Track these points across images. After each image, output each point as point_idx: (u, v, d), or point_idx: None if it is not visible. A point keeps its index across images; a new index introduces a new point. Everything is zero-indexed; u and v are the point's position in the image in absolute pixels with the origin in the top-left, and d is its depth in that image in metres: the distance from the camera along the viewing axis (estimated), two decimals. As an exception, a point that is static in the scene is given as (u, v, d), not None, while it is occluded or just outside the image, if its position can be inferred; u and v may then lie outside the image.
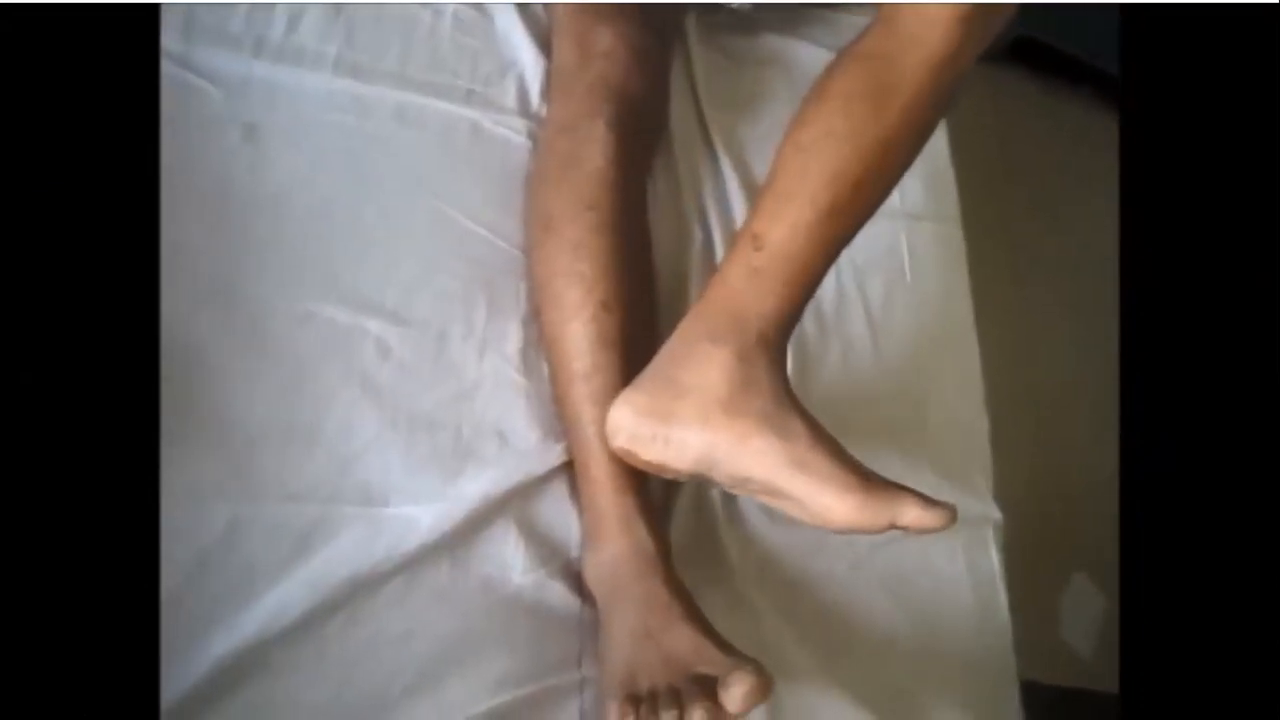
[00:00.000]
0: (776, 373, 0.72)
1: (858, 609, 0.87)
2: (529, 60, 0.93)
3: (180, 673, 0.66)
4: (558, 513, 0.80)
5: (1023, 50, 1.86)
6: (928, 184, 1.04)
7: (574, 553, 0.79)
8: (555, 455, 0.80)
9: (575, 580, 0.78)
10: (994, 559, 0.95)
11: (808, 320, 0.90)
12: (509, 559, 0.76)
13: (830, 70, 0.76)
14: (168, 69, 0.83)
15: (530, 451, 0.80)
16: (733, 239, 0.75)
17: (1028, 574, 0.97)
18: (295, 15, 0.87)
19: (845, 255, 0.90)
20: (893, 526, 0.69)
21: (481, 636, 0.74)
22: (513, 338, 0.83)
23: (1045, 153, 1.83)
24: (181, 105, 0.82)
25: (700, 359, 0.72)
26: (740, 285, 0.73)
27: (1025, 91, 1.87)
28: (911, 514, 0.69)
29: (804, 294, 0.74)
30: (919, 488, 0.88)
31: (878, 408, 0.94)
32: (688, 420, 0.71)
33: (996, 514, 0.96)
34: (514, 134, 0.91)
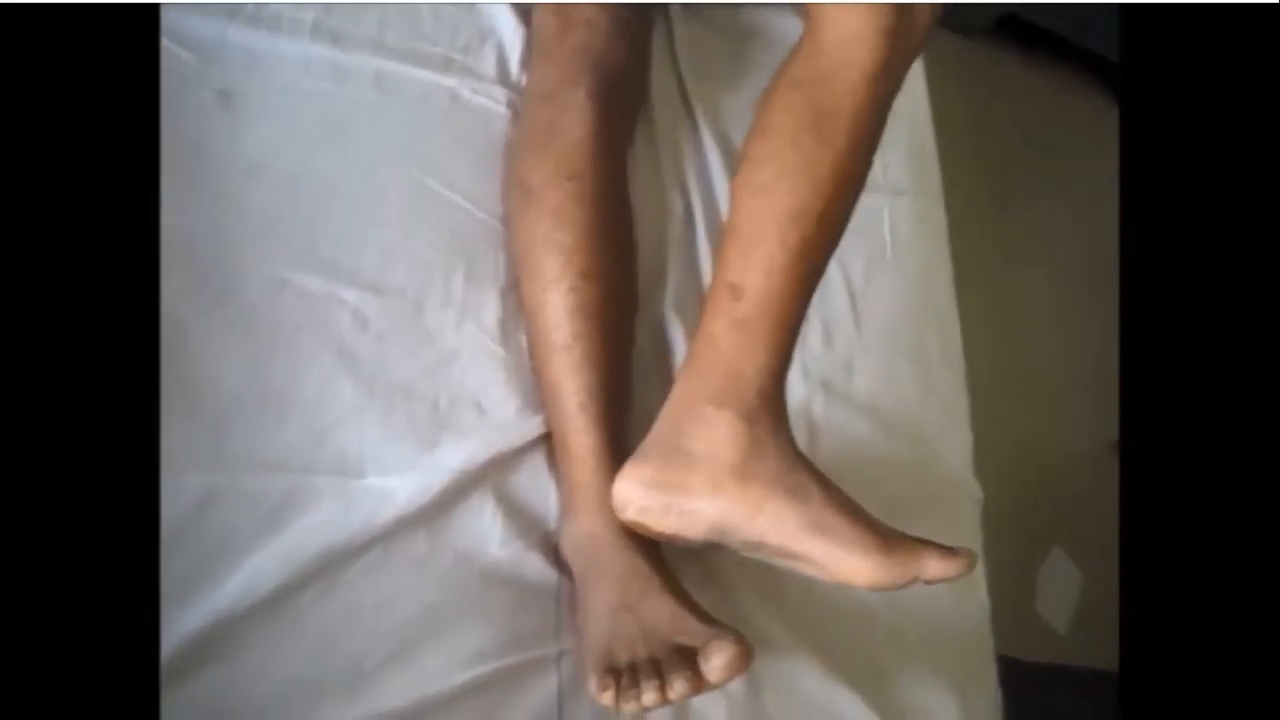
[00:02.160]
0: (782, 430, 0.72)
1: None
2: (508, 28, 0.93)
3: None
4: (535, 484, 0.80)
5: (1007, 27, 1.86)
6: (910, 159, 1.05)
7: (552, 525, 0.80)
8: (534, 427, 0.81)
9: (553, 552, 0.79)
10: (977, 534, 0.95)
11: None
12: (486, 530, 0.77)
13: (768, 102, 0.77)
14: (140, 33, 0.81)
15: (508, 423, 0.80)
16: (708, 291, 0.76)
17: (1005, 549, 0.97)
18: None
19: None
20: (916, 581, 0.70)
21: (458, 608, 0.74)
22: (491, 308, 0.83)
23: (1028, 128, 1.83)
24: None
25: (705, 424, 0.72)
26: (729, 342, 0.73)
27: (1009, 67, 1.87)
28: (933, 567, 0.69)
29: (791, 337, 0.75)
30: (895, 465, 0.90)
31: (857, 383, 0.93)
32: (699, 490, 0.71)
33: (978, 491, 0.97)
34: (493, 103, 0.90)
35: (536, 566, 0.78)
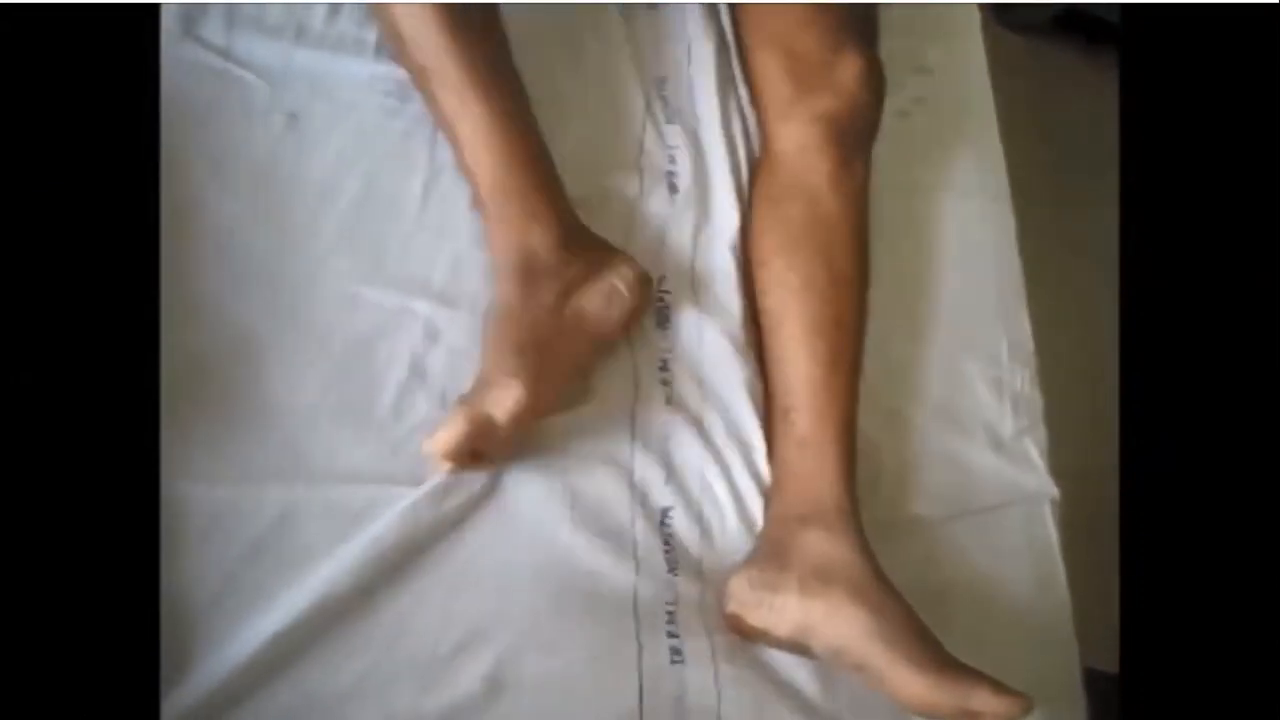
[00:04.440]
0: (863, 545, 0.81)
1: (915, 583, 0.88)
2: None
3: (234, 652, 0.70)
4: (608, 480, 0.83)
5: (1068, 23, 1.85)
6: (976, 162, 1.06)
7: (622, 516, 0.82)
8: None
9: (627, 546, 0.81)
10: (1052, 534, 0.96)
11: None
12: (555, 519, 0.80)
13: (756, 224, 0.90)
14: (211, 60, 0.86)
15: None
16: (767, 410, 0.88)
17: (1086, 551, 0.96)
18: (335, 4, 0.90)
19: (894, 235, 0.96)
20: (965, 713, 0.73)
21: (529, 596, 0.77)
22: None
23: (1094, 124, 1.81)
24: (225, 96, 0.86)
25: (798, 538, 0.81)
26: (798, 464, 0.84)
27: (1071, 63, 1.86)
28: (983, 699, 0.73)
29: (850, 438, 0.85)
30: (972, 465, 0.90)
31: (930, 387, 0.95)
32: (789, 589, 0.79)
33: (1053, 489, 0.98)
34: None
35: (610, 559, 0.80)
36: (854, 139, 0.89)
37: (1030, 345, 1.01)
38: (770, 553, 0.83)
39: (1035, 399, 1.00)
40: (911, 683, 0.75)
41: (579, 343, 0.81)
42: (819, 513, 0.82)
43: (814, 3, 0.89)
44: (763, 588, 0.81)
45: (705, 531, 0.85)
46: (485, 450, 0.75)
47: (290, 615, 0.71)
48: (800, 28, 0.89)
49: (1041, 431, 0.99)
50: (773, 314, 0.88)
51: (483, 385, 0.75)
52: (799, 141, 0.89)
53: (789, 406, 0.86)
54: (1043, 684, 0.87)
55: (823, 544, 0.81)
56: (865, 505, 0.89)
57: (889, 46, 1.04)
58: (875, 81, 0.89)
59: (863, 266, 0.88)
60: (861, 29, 0.91)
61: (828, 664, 0.80)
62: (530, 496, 0.80)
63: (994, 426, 0.97)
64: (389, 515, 0.75)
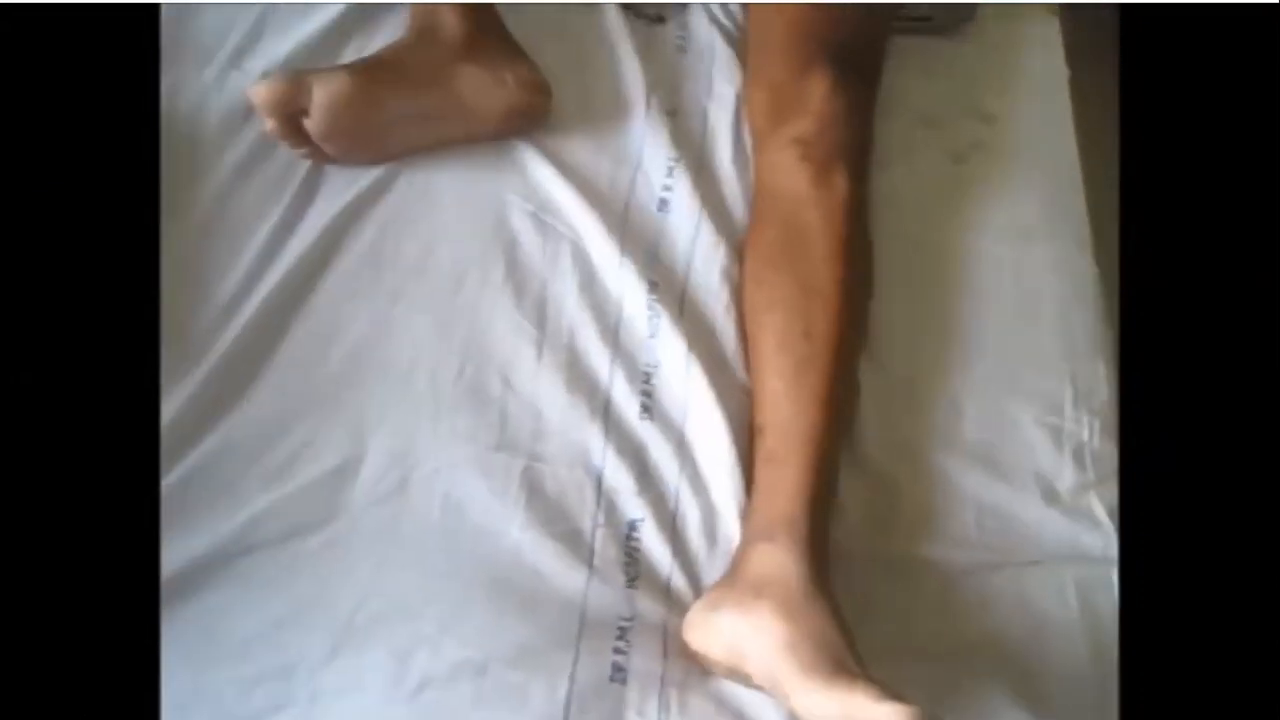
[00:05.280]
0: (806, 558, 0.75)
1: (925, 631, 0.79)
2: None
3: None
4: (570, 476, 0.80)
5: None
6: (1047, 209, 0.98)
7: (583, 522, 0.78)
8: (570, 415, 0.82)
9: (582, 549, 0.77)
10: (1116, 602, 0.81)
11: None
12: (507, 510, 0.77)
13: (746, 252, 0.90)
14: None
15: (538, 402, 0.82)
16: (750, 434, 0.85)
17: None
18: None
19: (935, 273, 0.94)
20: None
21: (466, 583, 0.74)
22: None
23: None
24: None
25: (748, 555, 0.76)
26: (763, 479, 0.80)
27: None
28: (861, 706, 0.65)
29: (817, 456, 0.79)
30: (1015, 515, 0.84)
31: (962, 427, 0.87)
32: (728, 607, 0.74)
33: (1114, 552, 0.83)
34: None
35: (560, 560, 0.76)
36: (829, 153, 0.88)
37: (1104, 395, 0.90)
38: (728, 572, 0.77)
39: (1109, 454, 0.88)
40: (801, 693, 0.67)
41: (443, 110, 0.89)
42: (769, 527, 0.76)
43: (788, 32, 0.93)
44: (707, 608, 0.74)
45: (679, 551, 0.79)
46: (305, 128, 0.84)
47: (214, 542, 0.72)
48: (775, 59, 0.93)
49: (1113, 490, 0.86)
50: (749, 332, 0.86)
51: (326, 70, 0.85)
52: (776, 165, 0.89)
53: (760, 423, 0.82)
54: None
55: (765, 558, 0.74)
56: (874, 543, 0.82)
57: (946, 90, 1.02)
58: (845, 95, 0.89)
59: (846, 279, 0.84)
60: (837, 52, 0.91)
61: (768, 692, 0.71)
62: (484, 486, 0.78)
63: (1047, 477, 0.85)
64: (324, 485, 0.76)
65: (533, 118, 0.93)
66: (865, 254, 0.89)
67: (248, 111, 0.89)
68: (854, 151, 0.89)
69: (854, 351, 0.86)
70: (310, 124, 0.85)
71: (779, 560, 0.74)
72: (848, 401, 0.84)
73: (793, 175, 0.87)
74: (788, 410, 0.80)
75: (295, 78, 0.85)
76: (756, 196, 0.91)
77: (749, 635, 0.71)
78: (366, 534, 0.75)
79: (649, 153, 0.93)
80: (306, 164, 0.88)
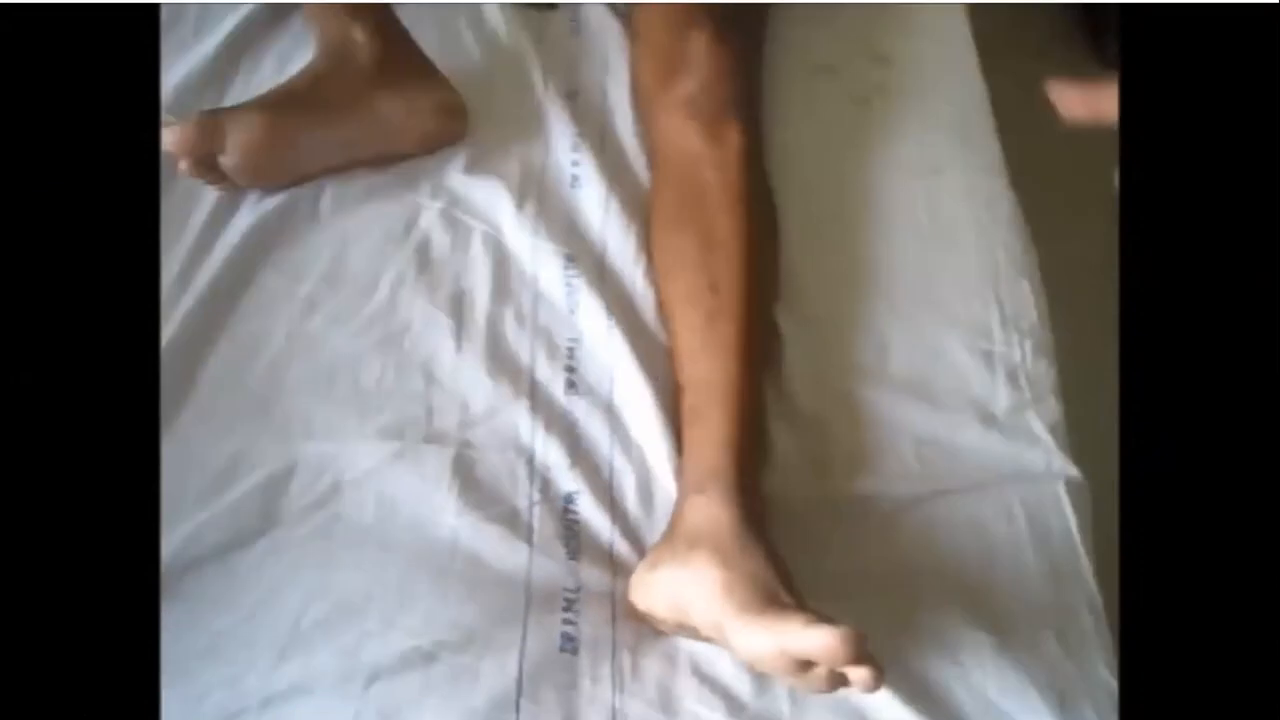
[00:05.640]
0: (736, 504, 0.75)
1: (874, 566, 0.79)
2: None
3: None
4: (503, 465, 0.80)
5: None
6: (958, 144, 1.00)
7: (518, 502, 0.79)
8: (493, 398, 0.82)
9: (520, 528, 0.77)
10: (1069, 519, 0.82)
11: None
12: (441, 500, 0.78)
13: (650, 219, 0.90)
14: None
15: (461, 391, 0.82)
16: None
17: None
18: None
19: (846, 215, 0.94)
20: (788, 656, 0.65)
21: (407, 577, 0.75)
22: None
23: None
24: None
25: (682, 510, 0.77)
26: (690, 436, 0.80)
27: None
28: (796, 637, 0.64)
29: (738, 405, 0.79)
30: (951, 443, 0.84)
31: (891, 363, 0.88)
32: (666, 563, 0.74)
33: (1069, 469, 0.84)
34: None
35: (501, 543, 0.76)
36: (718, 109, 0.89)
37: (1032, 316, 0.90)
38: (666, 531, 0.77)
39: (1043, 372, 0.88)
40: (737, 632, 0.67)
41: (359, 138, 0.90)
42: (699, 481, 0.76)
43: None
44: (648, 567, 0.75)
45: (619, 518, 0.79)
46: (220, 165, 0.84)
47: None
48: (656, 22, 0.94)
49: (1052, 406, 0.87)
50: (659, 293, 0.87)
51: (240, 108, 0.85)
52: (667, 127, 0.91)
53: (680, 381, 0.83)
54: (1061, 683, 0.74)
55: (697, 512, 0.74)
56: (813, 486, 0.82)
57: (841, 36, 1.03)
58: (728, 49, 0.90)
59: (747, 230, 0.85)
60: (716, 8, 0.92)
61: (715, 643, 0.71)
62: (415, 479, 0.78)
63: (982, 401, 0.86)
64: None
65: (448, 141, 0.94)
66: (765, 204, 0.90)
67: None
68: (743, 104, 0.90)
69: (766, 301, 0.86)
70: (225, 163, 0.85)
71: (710, 511, 0.74)
72: (765, 351, 0.85)
73: (684, 134, 0.88)
74: (703, 364, 0.81)
75: (207, 122, 0.84)
76: (653, 160, 0.92)
77: (688, 587, 0.71)
78: (304, 540, 0.75)
79: (555, 133, 0.94)
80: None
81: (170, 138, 0.83)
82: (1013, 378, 0.87)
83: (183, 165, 0.85)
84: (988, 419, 0.85)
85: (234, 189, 0.88)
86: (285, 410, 0.80)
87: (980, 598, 0.78)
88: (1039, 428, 0.85)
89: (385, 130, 0.90)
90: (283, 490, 0.77)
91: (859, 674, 0.63)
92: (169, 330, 0.81)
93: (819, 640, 0.62)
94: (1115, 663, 0.78)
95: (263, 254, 0.87)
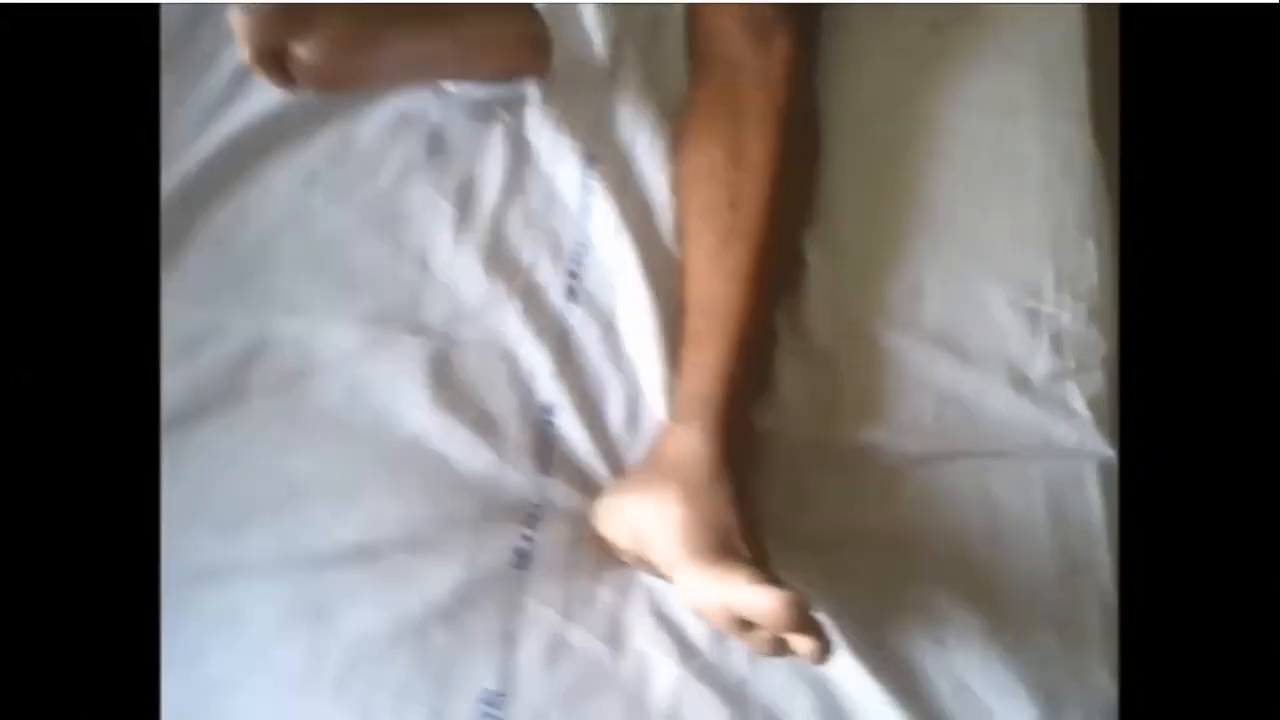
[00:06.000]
0: (714, 438, 0.70)
1: (870, 521, 0.74)
2: None
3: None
4: (484, 364, 0.76)
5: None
6: (1039, 83, 0.90)
7: (494, 407, 0.75)
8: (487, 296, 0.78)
9: (491, 434, 0.74)
10: (1095, 503, 0.74)
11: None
12: (413, 394, 0.74)
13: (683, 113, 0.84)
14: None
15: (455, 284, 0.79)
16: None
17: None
18: None
19: (897, 145, 0.86)
20: (730, 613, 0.61)
21: (364, 468, 0.72)
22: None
23: None
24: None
25: (664, 438, 0.73)
26: (685, 359, 0.75)
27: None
28: (738, 593, 0.60)
29: (741, 335, 0.74)
30: (977, 402, 0.78)
31: (923, 308, 0.81)
32: (635, 492, 0.70)
33: (1106, 450, 0.76)
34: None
35: (467, 446, 0.73)
36: (770, 14, 0.81)
37: (1092, 279, 0.82)
38: (644, 457, 0.73)
39: (1093, 342, 0.80)
40: (683, 576, 0.63)
41: (442, 56, 0.79)
42: (686, 409, 0.71)
43: None
44: (618, 493, 0.71)
45: (599, 436, 0.75)
46: (290, 61, 0.71)
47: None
48: None
49: (1097, 379, 0.78)
50: (676, 204, 0.81)
51: (325, 6, 0.72)
52: (715, 28, 0.83)
53: (684, 301, 0.77)
54: (1052, 683, 0.68)
55: (677, 441, 0.70)
56: (816, 429, 0.76)
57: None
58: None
59: (781, 148, 0.78)
60: None
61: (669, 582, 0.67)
62: (390, 369, 0.75)
63: (1018, 364, 0.78)
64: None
65: (527, 75, 0.85)
66: (807, 124, 0.83)
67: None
68: (799, 13, 0.83)
69: (792, 226, 0.80)
70: (299, 63, 0.75)
71: (689, 443, 0.69)
72: (784, 279, 0.79)
73: (730, 38, 0.82)
74: (710, 286, 0.75)
75: (288, 12, 0.73)
76: (695, 62, 0.85)
77: (651, 520, 0.67)
78: (265, 418, 0.73)
79: (594, 26, 0.87)
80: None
81: (243, 23, 0.72)
82: (1057, 343, 0.79)
83: (247, 54, 0.74)
84: (1020, 383, 0.78)
85: (294, 90, 0.77)
86: (268, 283, 0.77)
87: (978, 576, 0.72)
88: (1077, 401, 0.77)
89: (468, 54, 0.82)
90: (253, 364, 0.74)
91: (801, 644, 0.59)
92: (166, 189, 0.78)
93: (759, 601, 0.58)
94: (1118, 668, 0.71)
95: (275, 123, 0.82)
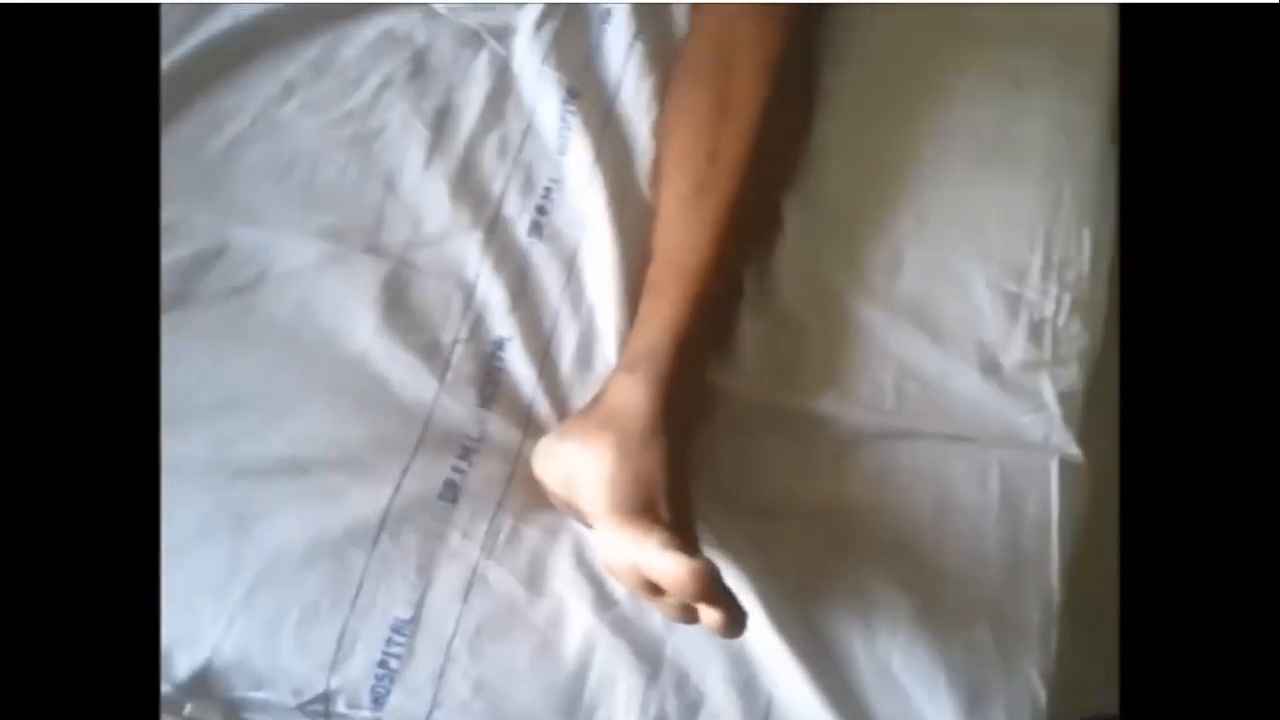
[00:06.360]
0: (659, 392, 0.67)
1: (815, 494, 0.72)
2: None
3: None
4: (437, 292, 0.75)
5: None
6: (1056, 48, 0.87)
7: (443, 335, 0.74)
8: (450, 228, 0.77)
9: (436, 362, 0.73)
10: (1052, 502, 0.71)
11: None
12: (362, 314, 0.73)
13: (677, 59, 0.82)
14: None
15: (417, 209, 0.78)
16: None
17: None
18: None
19: (896, 114, 0.83)
20: (639, 575, 0.60)
21: (303, 383, 0.71)
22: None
23: None
24: None
25: (608, 385, 0.70)
26: (643, 307, 0.73)
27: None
28: (649, 555, 0.59)
29: (698, 296, 0.71)
30: (940, 382, 0.75)
31: (899, 281, 0.78)
32: (573, 437, 0.68)
33: (1071, 448, 0.74)
34: None
35: (409, 371, 0.72)
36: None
37: (1083, 268, 0.78)
38: (589, 402, 0.71)
39: (1074, 334, 0.77)
40: (602, 530, 0.62)
41: None
42: (634, 358, 0.70)
43: None
44: (557, 436, 0.69)
45: (547, 375, 0.74)
46: None
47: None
48: None
49: (1072, 373, 0.76)
50: (657, 149, 0.79)
51: None
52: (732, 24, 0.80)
53: (652, 248, 0.75)
54: (977, 676, 0.66)
55: (621, 389, 0.68)
56: (772, 393, 0.74)
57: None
58: None
59: (769, 99, 0.76)
60: None
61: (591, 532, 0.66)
62: (342, 287, 0.74)
63: (990, 347, 0.75)
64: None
65: None
66: (800, 78, 0.80)
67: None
68: None
69: (771, 182, 0.78)
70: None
71: (631, 394, 0.67)
72: (756, 236, 0.76)
73: None
74: (677, 236, 0.73)
75: None
76: (695, 9, 0.83)
77: (583, 468, 0.65)
78: (211, 325, 0.73)
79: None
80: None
81: None
82: (1035, 331, 0.76)
83: None
84: (990, 368, 0.75)
85: None
86: (232, 191, 0.77)
87: (919, 561, 0.70)
88: (1048, 393, 0.74)
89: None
90: (207, 269, 0.74)
91: (709, 615, 0.58)
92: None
93: (668, 566, 0.57)
94: (1051, 671, 0.68)
95: (259, 30, 0.82)
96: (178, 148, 0.77)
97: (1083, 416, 0.76)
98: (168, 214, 0.75)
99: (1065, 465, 0.73)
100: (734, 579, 0.66)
